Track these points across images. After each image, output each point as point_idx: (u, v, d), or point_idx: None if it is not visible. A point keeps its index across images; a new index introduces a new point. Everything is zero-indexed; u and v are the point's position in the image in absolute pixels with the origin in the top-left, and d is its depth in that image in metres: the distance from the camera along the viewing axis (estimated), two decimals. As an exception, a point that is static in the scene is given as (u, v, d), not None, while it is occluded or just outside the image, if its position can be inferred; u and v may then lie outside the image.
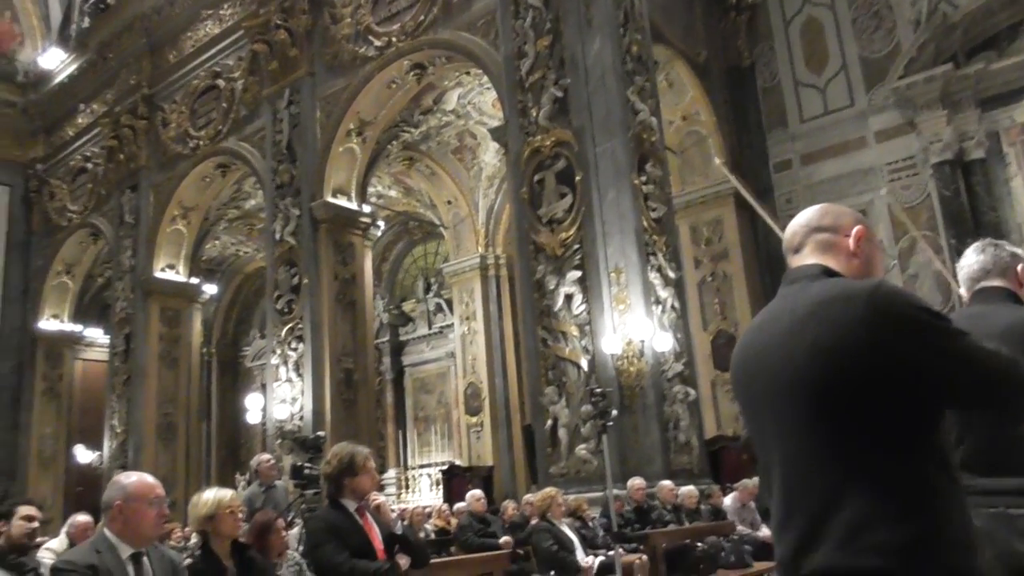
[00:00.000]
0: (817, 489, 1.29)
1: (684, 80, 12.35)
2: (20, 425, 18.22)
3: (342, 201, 13.03)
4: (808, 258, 1.52)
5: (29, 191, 19.15)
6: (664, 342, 8.86)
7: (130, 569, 2.70)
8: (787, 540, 1.33)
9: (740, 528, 7.15)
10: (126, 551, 2.72)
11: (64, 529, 5.83)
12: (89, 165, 18.03)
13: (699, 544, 6.12)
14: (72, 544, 4.87)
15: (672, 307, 9.29)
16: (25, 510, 4.01)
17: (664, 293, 9.21)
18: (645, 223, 9.21)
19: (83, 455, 17.93)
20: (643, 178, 9.40)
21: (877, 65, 12.12)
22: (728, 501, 7.79)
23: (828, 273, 1.45)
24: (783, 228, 1.63)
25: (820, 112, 12.66)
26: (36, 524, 4.00)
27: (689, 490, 7.47)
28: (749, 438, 1.52)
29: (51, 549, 5.42)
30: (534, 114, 9.82)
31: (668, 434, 8.63)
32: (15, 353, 18.45)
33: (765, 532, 7.35)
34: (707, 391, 11.69)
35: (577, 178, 9.34)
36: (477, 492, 8.14)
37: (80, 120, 18.50)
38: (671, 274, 9.41)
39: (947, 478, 1.28)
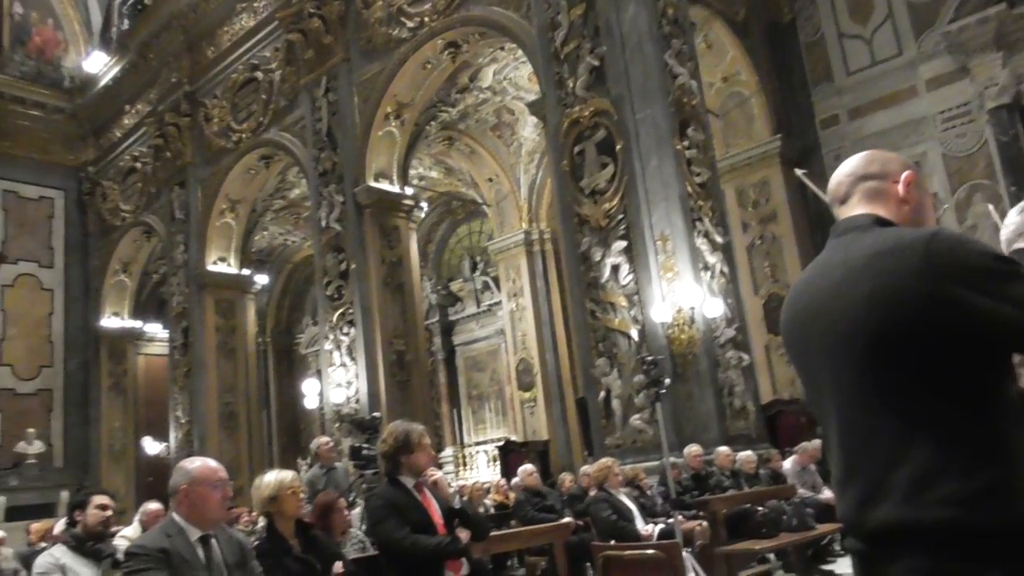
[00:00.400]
0: (879, 443, 1.25)
1: (723, 40, 12.07)
2: (90, 420, 18.92)
3: (384, 185, 13.10)
4: (856, 208, 1.47)
5: (82, 194, 19.71)
6: (715, 308, 8.75)
7: (199, 551, 2.78)
8: (849, 496, 1.29)
9: (801, 491, 7.06)
10: (195, 534, 2.80)
11: (137, 517, 6.04)
12: (138, 165, 18.46)
13: (760, 508, 6.06)
14: (144, 531, 5.04)
15: (721, 272, 9.15)
16: (99, 499, 4.13)
17: (712, 259, 9.08)
18: (689, 189, 9.07)
19: (151, 447, 18.54)
20: (685, 143, 9.24)
21: (925, 10, 11.67)
22: (788, 465, 7.69)
23: (879, 222, 1.40)
24: None
25: (867, 64, 12.25)
26: (110, 512, 4.12)
27: (747, 455, 7.39)
28: None
29: (125, 536, 5.62)
30: (571, 85, 9.71)
31: (723, 400, 8.55)
32: (80, 351, 19.11)
33: (827, 494, 7.24)
34: (761, 355, 11.53)
35: (618, 147, 9.22)
36: (529, 467, 8.17)
37: (126, 121, 18.92)
38: (718, 239, 9.27)
39: (1015, 426, 1.23)
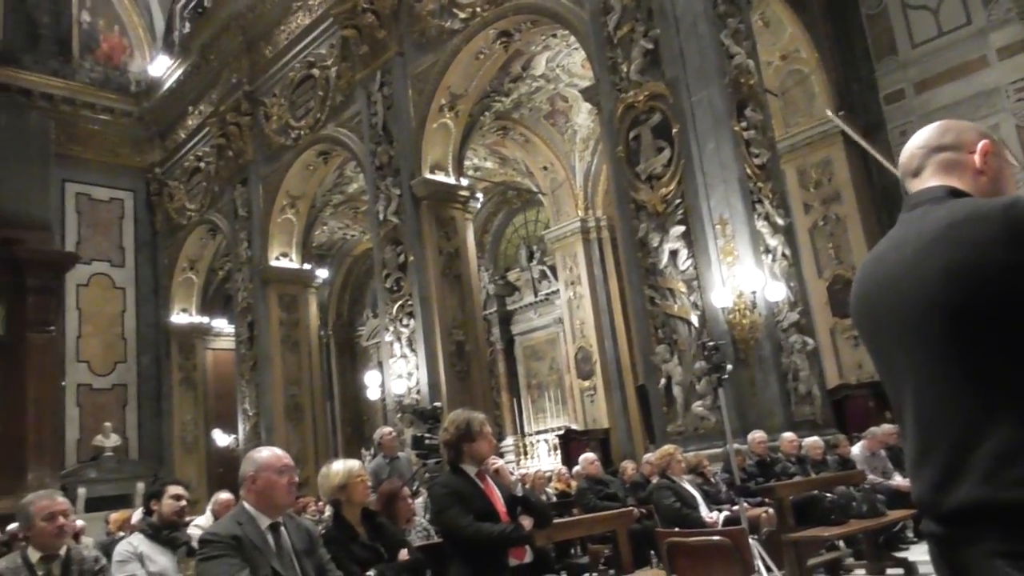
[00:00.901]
0: (957, 420, 1.20)
1: (781, 17, 11.77)
2: (163, 413, 19.61)
3: (440, 177, 13.19)
4: (930, 180, 1.41)
5: (150, 194, 20.39)
6: (777, 292, 8.56)
7: (270, 538, 2.85)
8: (925, 477, 1.25)
9: (871, 477, 6.86)
10: (264, 521, 2.87)
11: (209, 507, 6.22)
12: (202, 164, 18.99)
13: (828, 495, 5.92)
14: (216, 519, 5.18)
15: (783, 255, 8.95)
16: (174, 489, 4.24)
17: (773, 241, 8.88)
18: (748, 171, 8.88)
19: (221, 439, 19.11)
20: (743, 124, 9.05)
21: (995, -25, 11.18)
22: (856, 450, 7.49)
23: (954, 194, 1.35)
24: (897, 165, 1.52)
25: (933, 34, 11.79)
26: (184, 503, 4.23)
27: (814, 441, 7.22)
28: None
29: (199, 525, 5.80)
30: (625, 69, 9.59)
31: (787, 385, 8.37)
32: (152, 347, 19.81)
33: (898, 480, 7.04)
34: (826, 339, 11.27)
35: (674, 131, 9.08)
36: (590, 455, 8.14)
37: (190, 122, 19.47)
38: (780, 221, 9.05)
39: None
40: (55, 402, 16.81)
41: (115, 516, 8.22)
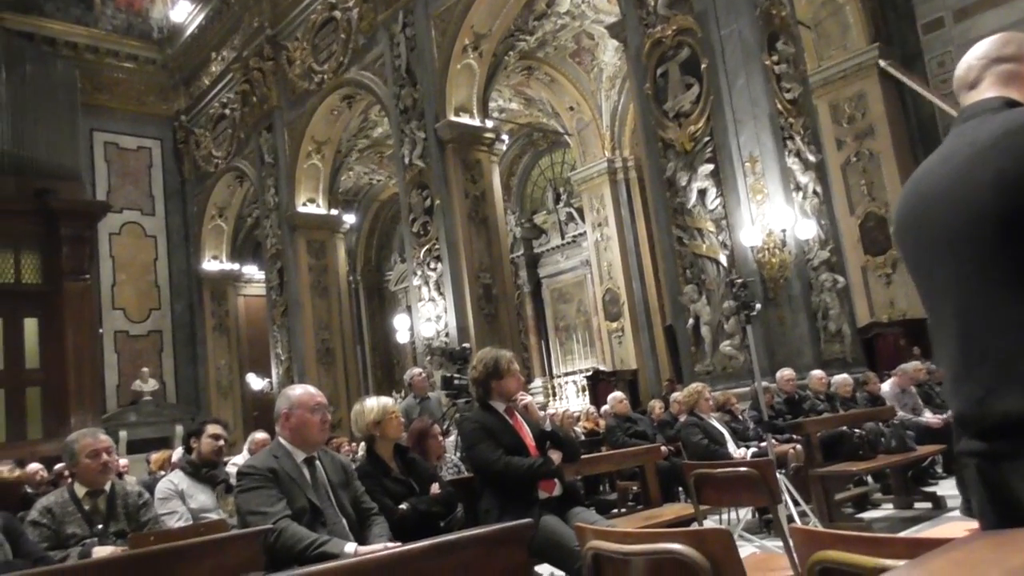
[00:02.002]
0: (1003, 331, 1.18)
1: (814, -56, 11.36)
2: (198, 359, 20.04)
3: (465, 119, 13.06)
4: (987, 92, 1.36)
5: (177, 142, 20.48)
6: (807, 230, 8.44)
7: (305, 471, 2.93)
8: (967, 392, 1.22)
9: (900, 413, 6.84)
10: (300, 455, 2.94)
11: (246, 446, 6.41)
12: (227, 111, 18.97)
13: (857, 431, 5.92)
14: (254, 457, 5.32)
15: (814, 192, 8.80)
16: (213, 429, 4.37)
17: (804, 179, 8.72)
18: (779, 106, 8.68)
19: (255, 383, 19.52)
20: (774, 58, 8.81)
21: None
22: (886, 387, 7.44)
23: (1011, 105, 1.31)
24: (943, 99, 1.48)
25: (974, -41, 11.31)
26: (222, 442, 4.36)
27: (843, 378, 7.19)
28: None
29: (236, 464, 5.97)
30: (652, 3, 9.34)
31: (817, 324, 8.32)
32: (185, 294, 20.15)
33: (928, 416, 7.02)
34: (857, 277, 11.14)
35: (703, 66, 8.88)
36: (618, 394, 8.18)
37: (213, 68, 19.40)
38: (811, 158, 8.87)
39: None
40: (94, 349, 17.26)
41: (156, 456, 8.48)
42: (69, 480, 3.78)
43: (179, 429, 16.37)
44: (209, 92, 19.60)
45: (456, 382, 7.29)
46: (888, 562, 0.98)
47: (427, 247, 12.95)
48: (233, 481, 4.01)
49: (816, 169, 8.94)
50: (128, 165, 19.87)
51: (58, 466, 7.87)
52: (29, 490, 6.90)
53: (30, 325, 16.50)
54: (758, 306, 5.77)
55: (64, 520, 3.30)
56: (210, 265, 20.37)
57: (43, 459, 9.02)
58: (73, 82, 17.56)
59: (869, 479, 6.69)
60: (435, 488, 3.48)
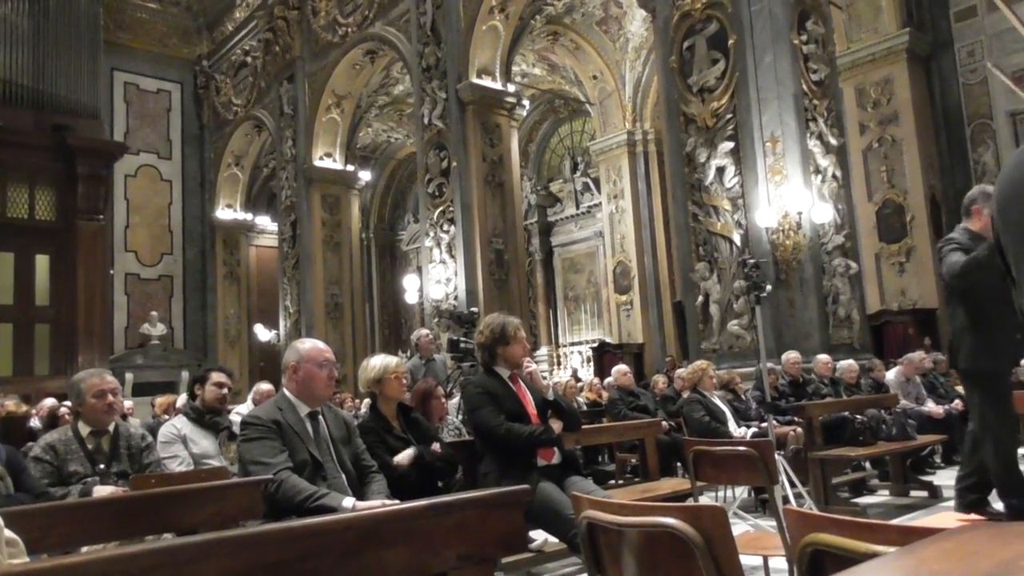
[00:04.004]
0: None
1: (852, -77, 11.09)
2: (207, 306, 20.17)
3: (487, 82, 12.94)
4: None
5: (198, 87, 20.38)
6: (824, 214, 8.37)
7: (308, 425, 2.96)
8: None
9: (904, 402, 6.84)
10: (304, 409, 2.97)
11: (250, 396, 6.47)
12: (249, 59, 18.85)
13: (858, 416, 5.93)
14: (258, 407, 5.38)
15: (833, 176, 8.71)
16: (217, 376, 4.40)
17: (824, 162, 8.63)
18: (805, 87, 8.55)
19: (262, 333, 19.65)
20: (803, 37, 8.66)
21: None
22: (891, 375, 7.43)
23: None
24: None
25: (1015, -53, 11.02)
26: (226, 390, 4.39)
27: (848, 364, 7.17)
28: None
29: (240, 413, 6.03)
30: (683, -26, 9.18)
31: (827, 308, 8.29)
32: (198, 240, 20.22)
33: (931, 406, 7.02)
34: (871, 264, 11.06)
35: (730, 42, 8.74)
36: (622, 367, 8.21)
37: (238, 14, 19.24)
38: (833, 141, 8.77)
39: None
40: (104, 289, 17.37)
41: (160, 400, 8.58)
42: (73, 418, 3.83)
43: (185, 375, 16.54)
44: (232, 38, 19.46)
45: (462, 345, 7.30)
46: (880, 548, 0.99)
47: (441, 209, 12.92)
48: (236, 429, 4.06)
49: (837, 153, 8.84)
50: (147, 107, 19.82)
51: (51, 403, 7.94)
52: (35, 425, 7.01)
53: (41, 262, 16.59)
54: (769, 287, 5.75)
55: (67, 458, 3.34)
56: (224, 213, 20.41)
57: (48, 395, 9.14)
58: (96, 19, 17.44)
59: (867, 465, 6.71)
60: (436, 447, 3.51)
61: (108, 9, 18.32)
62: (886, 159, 11.46)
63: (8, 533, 1.51)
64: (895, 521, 4.62)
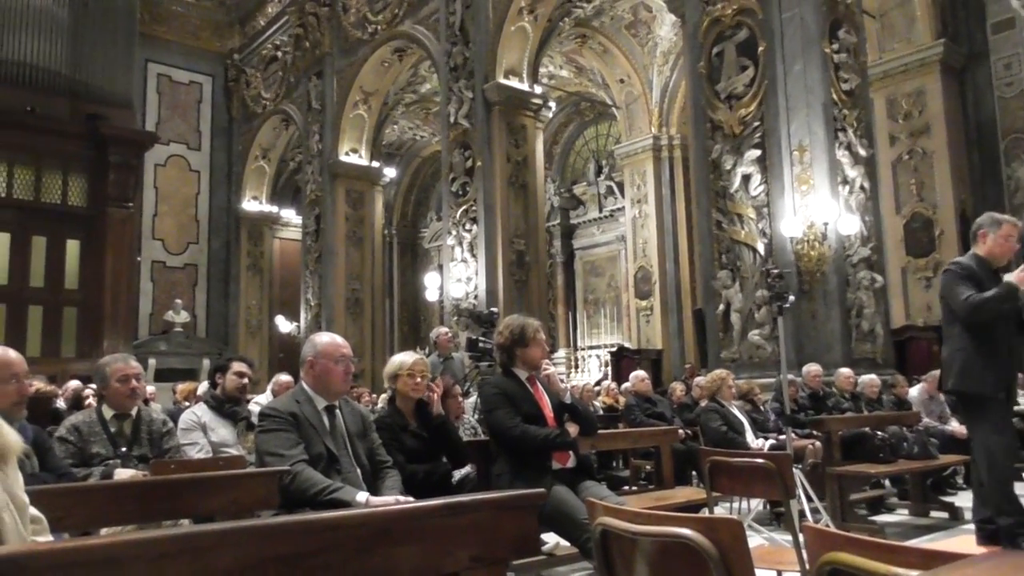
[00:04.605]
0: None
1: (888, -68, 10.97)
2: (230, 296, 20.37)
3: (514, 82, 12.95)
4: None
5: (228, 80, 20.58)
6: (850, 225, 8.28)
7: (325, 419, 2.98)
8: None
9: (926, 420, 6.75)
10: (321, 403, 2.99)
11: (269, 387, 6.51)
12: (279, 54, 19.01)
13: (879, 433, 5.86)
14: (276, 398, 5.41)
15: (861, 188, 8.61)
16: (238, 366, 4.45)
17: (853, 173, 8.54)
18: (835, 96, 8.47)
19: (283, 325, 19.81)
20: (835, 46, 8.58)
21: None
22: (914, 392, 7.34)
23: None
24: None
25: (1055, -40, 10.85)
26: (246, 380, 4.44)
27: (870, 379, 7.09)
28: None
29: (259, 402, 6.08)
30: (714, -20, 9.13)
31: (850, 321, 8.20)
32: (223, 231, 20.42)
33: (954, 426, 6.91)
34: (896, 278, 10.93)
35: (760, 49, 8.67)
36: (640, 373, 8.18)
37: (270, 9, 19.40)
38: (862, 152, 8.67)
39: None
40: (131, 275, 17.61)
41: (182, 387, 8.67)
42: (97, 401, 3.88)
43: (206, 363, 16.71)
44: (263, 33, 19.63)
45: (481, 345, 7.30)
46: (901, 571, 0.97)
47: (464, 208, 12.94)
48: (255, 419, 4.09)
49: (866, 164, 8.74)
50: (179, 98, 20.05)
51: (76, 384, 8.05)
52: (60, 406, 7.11)
53: (72, 247, 16.87)
54: (792, 298, 5.70)
55: (90, 439, 3.39)
56: (250, 205, 20.59)
57: (74, 377, 9.27)
58: (132, 11, 17.67)
59: (886, 483, 6.63)
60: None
61: (144, 2, 18.57)
62: (916, 172, 11.32)
63: (33, 511, 1.54)
64: (914, 542, 4.56)
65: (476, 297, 12.53)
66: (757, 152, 8.61)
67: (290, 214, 21.35)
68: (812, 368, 6.99)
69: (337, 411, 3.04)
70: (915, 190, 11.29)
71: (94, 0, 16.77)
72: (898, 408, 6.92)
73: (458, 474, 3.55)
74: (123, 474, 3.22)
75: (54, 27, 16.10)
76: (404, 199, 23.80)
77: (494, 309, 9.61)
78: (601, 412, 9.12)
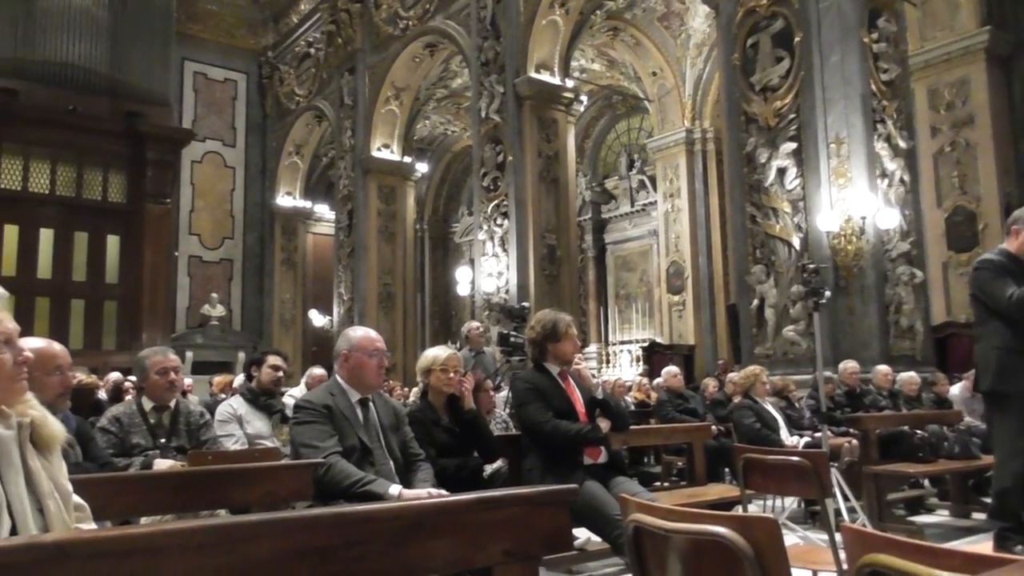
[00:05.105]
0: None
1: (930, -82, 10.72)
2: (264, 290, 20.63)
3: (545, 76, 12.91)
4: None
5: (262, 77, 20.82)
6: (889, 219, 8.12)
7: (359, 411, 3.00)
8: None
9: (968, 419, 6.60)
10: (355, 396, 3.02)
11: (303, 380, 6.59)
12: (312, 51, 19.17)
13: (918, 432, 5.74)
14: (310, 391, 5.47)
15: (901, 181, 8.43)
16: (273, 360, 4.52)
17: (892, 165, 8.37)
18: (874, 87, 8.30)
19: (317, 319, 20.02)
20: (874, 35, 8.40)
21: None
22: (955, 390, 7.18)
23: None
24: None
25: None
26: (281, 373, 4.50)
27: (909, 376, 6.95)
28: None
29: (293, 395, 6.16)
30: (749, -30, 9.00)
31: (888, 318, 8.04)
32: (257, 226, 20.69)
33: (997, 425, 6.76)
34: (937, 273, 10.69)
35: (796, 39, 8.54)
36: (673, 368, 8.12)
37: (302, 7, 19.57)
38: (902, 144, 8.50)
39: None
40: (169, 270, 17.96)
41: (218, 379, 8.80)
42: (134, 394, 3.95)
43: (241, 356, 16.94)
44: (296, 30, 19.81)
45: (512, 340, 7.32)
46: (944, 574, 0.94)
47: (495, 203, 12.94)
48: (289, 412, 4.15)
49: (906, 156, 8.56)
50: (214, 96, 20.33)
51: (116, 376, 8.22)
52: (102, 397, 7.26)
53: (112, 242, 17.26)
54: (828, 293, 5.61)
55: (130, 430, 3.46)
56: (283, 200, 20.82)
57: (114, 369, 9.47)
58: (170, 11, 17.97)
59: (926, 483, 6.50)
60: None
61: (180, 1, 18.84)
62: (959, 164, 11.05)
63: (76, 499, 1.58)
64: (954, 544, 4.48)
65: (507, 292, 12.54)
66: (793, 145, 8.49)
67: (323, 209, 21.55)
68: (848, 365, 6.88)
69: (370, 404, 3.07)
70: (958, 182, 11.03)
71: (133, 1, 17.07)
72: (938, 406, 6.78)
73: (490, 468, 3.57)
74: (162, 464, 3.28)
75: (94, 28, 16.42)
76: (435, 194, 23.88)
77: (525, 304, 9.62)
78: (632, 407, 9.09)
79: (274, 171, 20.69)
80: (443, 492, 2.78)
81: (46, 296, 16.37)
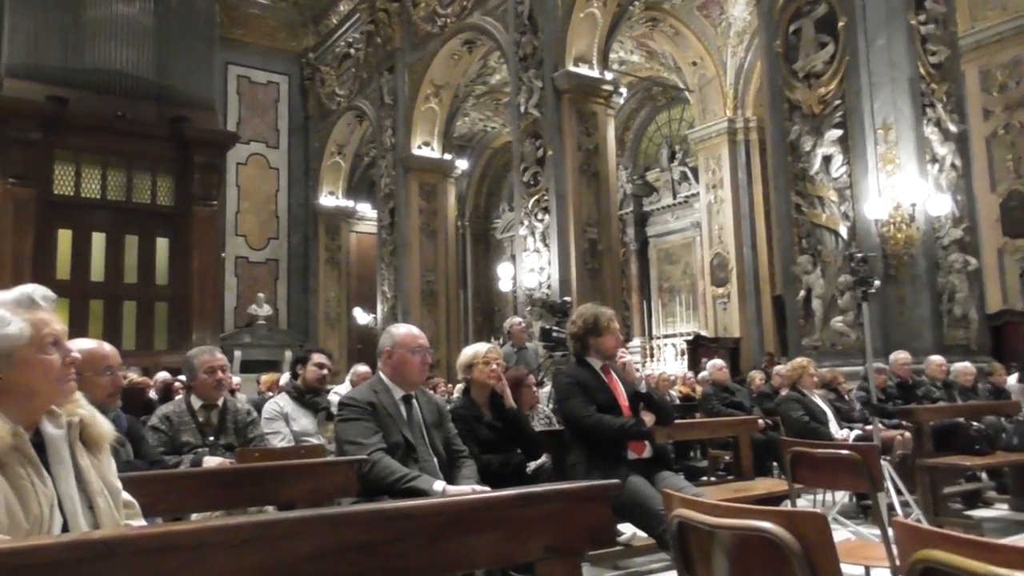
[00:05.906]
0: None
1: None
2: (309, 289, 20.91)
3: (584, 70, 12.83)
4: None
5: (304, 79, 21.08)
6: (940, 205, 7.90)
7: (402, 408, 3.02)
8: None
9: (1027, 410, 6.40)
10: (398, 393, 3.03)
11: (348, 377, 6.66)
12: (352, 51, 19.35)
13: (975, 423, 5.58)
14: (355, 389, 5.52)
15: (952, 165, 8.19)
16: (318, 358, 4.56)
17: (942, 150, 8.13)
18: (922, 70, 8.07)
19: (361, 317, 20.23)
20: (921, 17, 8.17)
21: None
22: (1012, 380, 6.95)
23: None
24: None
25: None
26: (326, 371, 4.55)
27: (964, 366, 6.75)
28: None
29: (338, 393, 6.22)
30: (790, -45, 8.82)
31: (941, 307, 7.83)
32: (302, 226, 20.97)
33: (1058, 416, 6.54)
34: (992, 260, 10.38)
35: (840, 24, 8.34)
36: (718, 362, 8.00)
37: (342, 7, 19.76)
38: (952, 128, 8.25)
39: None
40: (216, 271, 18.31)
41: (265, 378, 8.95)
42: (184, 392, 4.03)
43: (288, 354, 17.18)
44: (336, 31, 20.01)
45: (554, 335, 7.29)
46: (1003, 571, 0.90)
47: (536, 198, 12.91)
48: (334, 409, 4.19)
49: (957, 140, 8.31)
50: (257, 99, 20.65)
51: (165, 376, 8.40)
52: (152, 396, 7.44)
53: (161, 244, 17.68)
54: (877, 283, 5.47)
55: (180, 428, 3.53)
56: (327, 200, 21.07)
57: (165, 369, 9.69)
58: (213, 16, 18.31)
59: (983, 475, 6.31)
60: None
61: (223, 6, 19.18)
62: (1013, 147, 10.70)
63: (126, 496, 1.61)
64: (1014, 539, 4.34)
65: (549, 287, 12.51)
66: (838, 132, 8.31)
67: (365, 208, 21.75)
68: (900, 356, 6.72)
69: (414, 401, 3.08)
70: (1012, 166, 10.68)
71: (178, 7, 17.43)
72: (995, 397, 6.58)
73: (533, 464, 3.56)
74: (211, 462, 3.34)
75: (140, 36, 16.81)
76: (476, 190, 23.94)
77: (567, 298, 9.58)
78: (677, 401, 9.00)
79: (317, 171, 20.94)
80: (487, 489, 2.78)
81: (99, 299, 16.83)
